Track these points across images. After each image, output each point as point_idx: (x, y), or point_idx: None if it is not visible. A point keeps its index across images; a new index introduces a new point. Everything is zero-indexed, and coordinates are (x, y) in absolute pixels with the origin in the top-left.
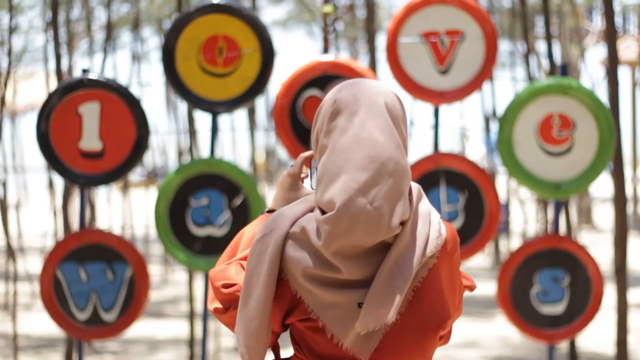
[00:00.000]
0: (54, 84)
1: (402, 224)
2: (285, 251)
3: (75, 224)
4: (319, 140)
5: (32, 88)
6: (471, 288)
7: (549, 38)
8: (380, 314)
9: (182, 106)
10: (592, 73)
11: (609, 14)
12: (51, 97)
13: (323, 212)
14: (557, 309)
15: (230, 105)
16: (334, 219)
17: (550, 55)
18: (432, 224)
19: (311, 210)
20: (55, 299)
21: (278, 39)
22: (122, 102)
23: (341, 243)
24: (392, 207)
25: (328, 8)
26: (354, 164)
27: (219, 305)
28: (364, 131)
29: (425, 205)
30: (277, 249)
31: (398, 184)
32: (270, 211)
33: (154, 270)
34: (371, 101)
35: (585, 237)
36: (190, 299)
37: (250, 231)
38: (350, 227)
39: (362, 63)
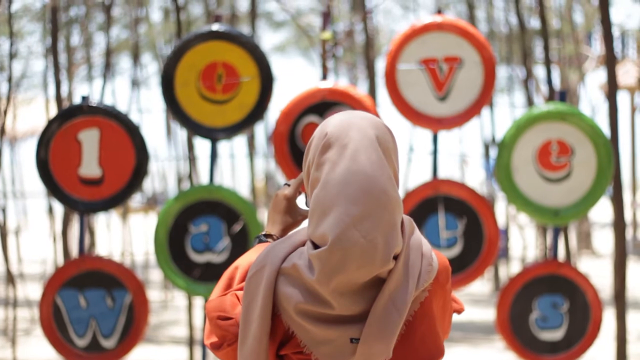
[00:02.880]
0: (53, 110)
1: (395, 257)
2: (278, 287)
3: (74, 250)
4: (310, 173)
5: (32, 114)
6: (459, 311)
7: (548, 63)
8: (377, 350)
9: (182, 132)
10: (591, 98)
11: (608, 39)
12: (51, 123)
13: (316, 246)
14: (556, 334)
15: (230, 131)
16: (327, 253)
17: (549, 80)
18: (424, 257)
19: (303, 244)
20: (54, 325)
21: (277, 64)
22: (121, 128)
23: (335, 278)
24: (386, 239)
25: (327, 34)
26: (347, 197)
27: (215, 340)
28: (355, 164)
29: (417, 237)
30: (270, 285)
31: (391, 216)
32: (267, 235)
33: (154, 296)
34: (362, 134)
35: (584, 263)
36: (190, 325)
37: (245, 262)
38: (344, 261)
39: (361, 89)
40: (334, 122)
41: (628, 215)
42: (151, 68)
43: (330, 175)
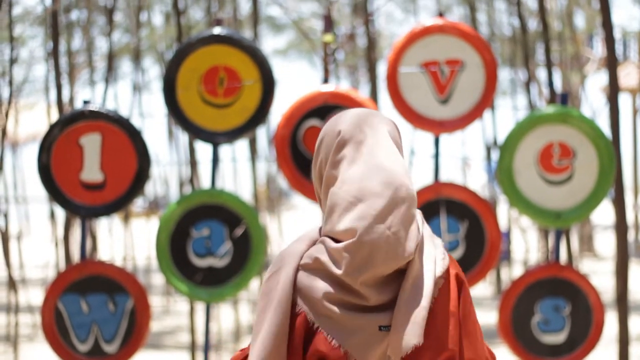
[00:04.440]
0: (55, 115)
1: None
2: (299, 282)
3: (76, 255)
4: (323, 172)
5: (34, 119)
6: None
7: (549, 66)
8: (409, 336)
9: (184, 137)
10: (592, 100)
11: (609, 41)
12: (52, 128)
13: (336, 242)
14: (558, 338)
15: (231, 135)
16: (355, 245)
17: (550, 83)
18: (437, 247)
19: (315, 242)
20: (56, 330)
21: (278, 68)
22: (123, 133)
23: (364, 271)
24: (407, 232)
25: (328, 37)
26: (369, 191)
27: None
28: (373, 159)
29: (428, 228)
30: (289, 281)
31: (410, 209)
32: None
33: (156, 301)
34: (375, 130)
35: (586, 265)
36: (192, 330)
37: None
38: (372, 254)
39: (362, 92)
40: (346, 120)
41: (630, 218)
42: (153, 72)
43: (350, 172)
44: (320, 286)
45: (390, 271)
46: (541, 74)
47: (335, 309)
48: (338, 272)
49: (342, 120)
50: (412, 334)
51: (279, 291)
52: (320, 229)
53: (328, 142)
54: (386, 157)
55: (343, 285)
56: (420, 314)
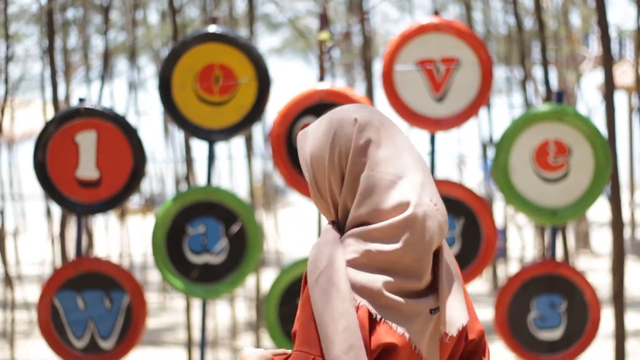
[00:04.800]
0: (51, 112)
1: None
2: (351, 279)
3: (72, 252)
4: (344, 163)
5: (30, 116)
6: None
7: (545, 64)
8: (457, 316)
9: (179, 134)
10: (588, 99)
11: (605, 39)
12: (48, 126)
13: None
14: (555, 334)
15: (227, 133)
16: (411, 217)
17: (546, 81)
18: None
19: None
20: (52, 327)
21: (274, 66)
22: (118, 130)
23: (420, 244)
24: (442, 206)
25: (324, 35)
26: (407, 168)
27: None
28: (396, 139)
29: None
30: (346, 279)
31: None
32: None
33: (152, 297)
34: (381, 115)
35: (583, 262)
36: (188, 327)
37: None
38: (426, 225)
39: (358, 90)
40: (354, 109)
41: (626, 215)
42: (148, 70)
43: (380, 154)
44: (377, 277)
45: (437, 246)
46: (537, 72)
47: (397, 297)
48: (396, 246)
49: (351, 109)
50: (461, 313)
51: (339, 287)
52: (333, 225)
53: (345, 131)
54: (403, 138)
55: (398, 269)
56: (460, 294)
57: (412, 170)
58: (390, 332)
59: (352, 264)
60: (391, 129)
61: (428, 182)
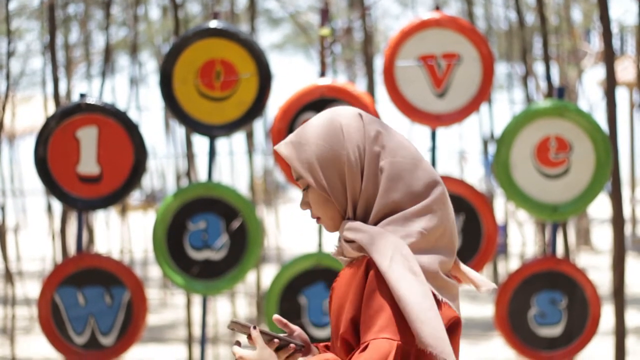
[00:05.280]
0: (52, 108)
1: None
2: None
3: (73, 248)
4: (363, 157)
5: (31, 112)
6: None
7: (547, 60)
8: (487, 281)
9: (181, 130)
10: (589, 94)
11: (606, 35)
12: (49, 121)
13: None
14: (555, 331)
15: (228, 129)
16: (443, 192)
17: (548, 77)
18: None
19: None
20: (53, 323)
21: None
22: (119, 126)
23: (452, 219)
24: None
25: (325, 31)
26: (418, 152)
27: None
28: (393, 129)
29: None
30: (415, 259)
31: None
32: None
33: (152, 293)
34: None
35: (583, 259)
36: (189, 323)
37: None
38: (450, 202)
39: (359, 86)
40: (349, 108)
41: (627, 212)
42: (150, 66)
43: (393, 141)
44: (434, 258)
45: None
46: (538, 68)
47: (448, 279)
48: (438, 222)
49: (347, 109)
50: (482, 277)
51: (417, 271)
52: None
53: (356, 127)
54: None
55: (441, 245)
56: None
57: (421, 154)
58: (450, 311)
59: (411, 247)
60: (382, 121)
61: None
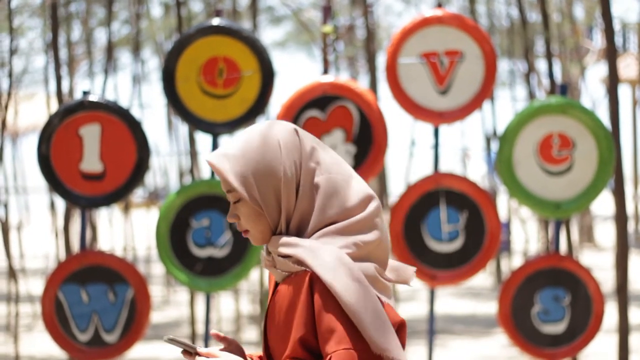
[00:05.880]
0: (54, 106)
1: None
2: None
3: (76, 245)
4: (299, 171)
5: (33, 109)
6: None
7: (549, 57)
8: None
9: (183, 127)
10: (592, 91)
11: (609, 32)
12: (52, 119)
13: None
14: (558, 328)
15: (231, 126)
16: (378, 207)
17: (550, 74)
18: None
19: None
20: (56, 320)
21: (277, 59)
22: (122, 123)
23: (387, 233)
24: None
25: (328, 28)
26: (348, 167)
27: None
28: (324, 145)
29: None
30: (357, 267)
31: None
32: None
33: (156, 291)
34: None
35: (586, 256)
36: (192, 320)
37: None
38: (383, 217)
39: (362, 83)
40: (283, 122)
41: (630, 208)
42: (152, 63)
43: (327, 157)
44: (370, 265)
45: None
46: (541, 65)
47: (384, 280)
48: (374, 235)
49: (281, 123)
50: (411, 270)
51: (361, 279)
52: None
53: (291, 142)
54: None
55: (376, 256)
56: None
57: (351, 169)
58: (394, 312)
59: (353, 256)
60: (315, 137)
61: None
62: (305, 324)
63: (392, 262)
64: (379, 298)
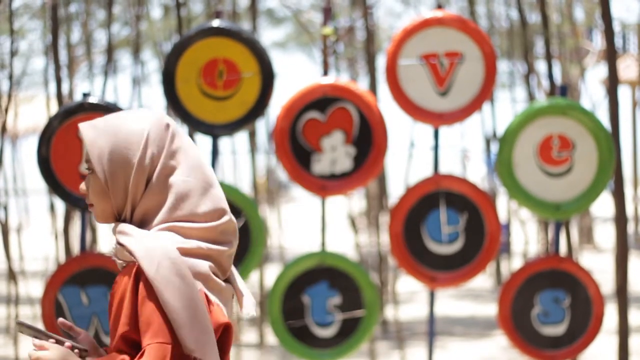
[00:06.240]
0: (54, 108)
1: None
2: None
3: (76, 247)
4: (156, 164)
5: (33, 111)
6: None
7: (549, 58)
8: (252, 302)
9: (183, 129)
10: (592, 93)
11: (608, 33)
12: (52, 121)
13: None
14: (558, 329)
15: (231, 128)
16: (227, 222)
17: (550, 75)
18: None
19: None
20: (56, 322)
21: (277, 61)
22: None
23: (233, 244)
24: None
25: (328, 30)
26: (213, 178)
27: None
28: (198, 151)
29: None
30: (184, 263)
31: None
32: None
33: None
34: (179, 127)
35: (586, 257)
36: None
37: None
38: (235, 230)
39: (362, 85)
40: (161, 115)
41: (630, 210)
42: (152, 65)
43: (190, 161)
44: (204, 263)
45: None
46: (540, 66)
47: (220, 281)
48: (213, 247)
49: (159, 115)
50: (252, 301)
51: (186, 274)
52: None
53: (159, 135)
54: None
55: (216, 259)
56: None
57: (215, 181)
58: (221, 313)
59: (184, 252)
60: (191, 140)
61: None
62: (129, 317)
63: (243, 286)
64: (207, 297)
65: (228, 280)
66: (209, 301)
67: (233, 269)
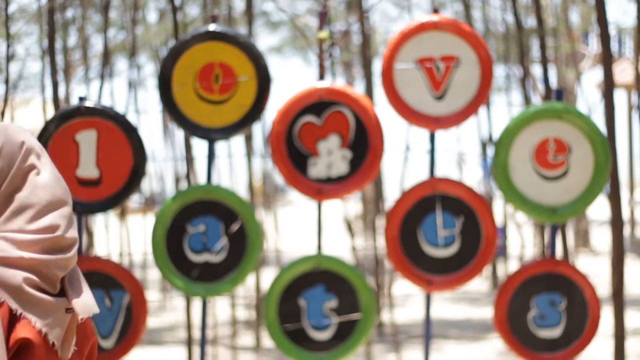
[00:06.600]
0: (50, 112)
1: None
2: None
3: None
4: (3, 179)
5: (30, 115)
6: None
7: (544, 62)
8: (92, 306)
9: (179, 133)
10: (588, 96)
11: (604, 37)
12: (48, 125)
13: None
14: (554, 332)
15: (227, 132)
16: (58, 239)
17: (546, 79)
18: None
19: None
20: None
21: (274, 65)
22: (119, 129)
23: (61, 261)
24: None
25: (323, 34)
26: (59, 199)
27: None
28: (53, 170)
29: None
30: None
31: None
32: None
33: (152, 296)
34: (36, 142)
35: (582, 260)
36: (188, 326)
37: None
38: (72, 251)
39: (358, 89)
40: (19, 131)
41: (625, 213)
42: (148, 69)
43: (39, 180)
44: (19, 273)
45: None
46: (536, 70)
47: (38, 293)
48: (36, 256)
49: (17, 131)
50: (93, 304)
51: None
52: None
53: (11, 152)
54: (55, 167)
55: (40, 273)
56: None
57: (63, 203)
58: (29, 328)
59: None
60: (48, 158)
61: (73, 215)
62: None
63: (86, 289)
64: (12, 311)
65: (63, 291)
66: (14, 314)
67: (79, 275)
